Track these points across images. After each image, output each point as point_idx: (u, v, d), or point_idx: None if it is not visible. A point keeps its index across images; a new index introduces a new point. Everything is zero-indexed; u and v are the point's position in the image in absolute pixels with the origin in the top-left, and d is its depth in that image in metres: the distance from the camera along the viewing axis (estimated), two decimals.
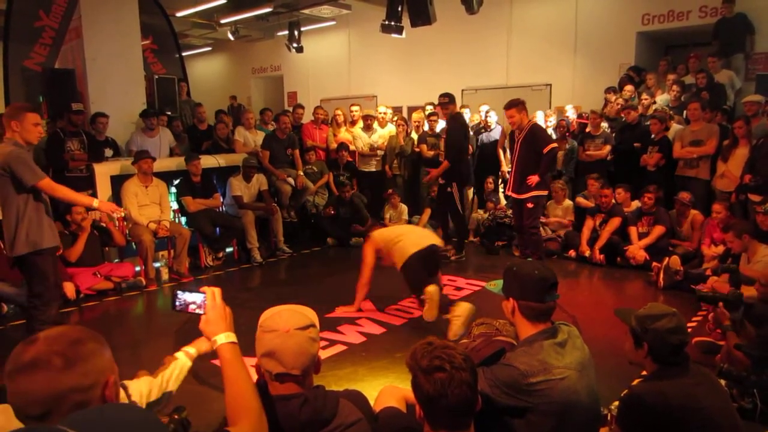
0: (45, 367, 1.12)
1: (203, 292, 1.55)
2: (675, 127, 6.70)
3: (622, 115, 7.14)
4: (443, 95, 6.26)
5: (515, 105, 5.52)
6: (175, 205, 6.47)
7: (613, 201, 6.23)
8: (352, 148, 7.83)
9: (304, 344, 1.49)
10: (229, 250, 6.75)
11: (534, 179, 5.47)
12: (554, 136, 7.51)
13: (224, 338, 1.49)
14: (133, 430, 0.88)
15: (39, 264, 3.60)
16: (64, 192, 3.63)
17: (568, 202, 6.75)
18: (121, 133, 7.08)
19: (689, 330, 4.09)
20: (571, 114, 7.91)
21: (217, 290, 1.56)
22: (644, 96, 7.51)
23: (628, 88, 7.71)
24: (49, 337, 1.17)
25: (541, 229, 6.13)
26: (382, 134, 7.87)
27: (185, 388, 3.31)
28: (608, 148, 6.87)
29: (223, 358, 1.47)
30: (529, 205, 5.59)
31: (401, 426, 1.64)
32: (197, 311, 1.55)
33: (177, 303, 1.58)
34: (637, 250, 5.79)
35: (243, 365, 1.47)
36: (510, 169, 5.89)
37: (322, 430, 1.46)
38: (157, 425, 0.94)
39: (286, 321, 1.50)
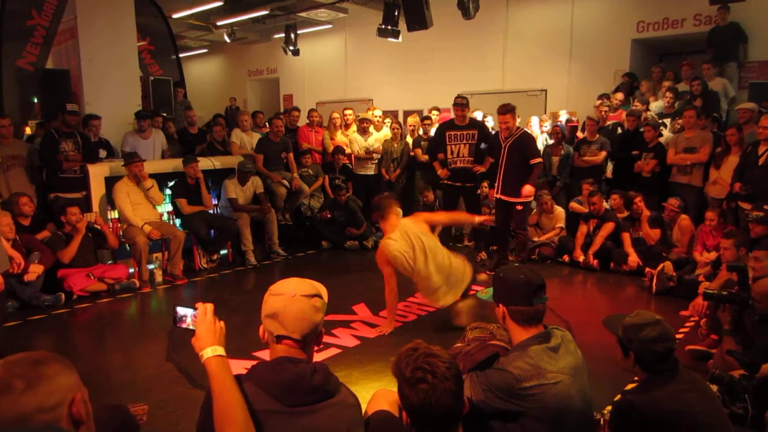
0: (6, 391, 1.11)
1: (196, 308, 1.61)
2: (666, 134, 6.74)
3: (608, 120, 7.20)
4: (462, 97, 6.31)
5: (510, 111, 5.68)
6: (169, 207, 6.45)
7: (606, 206, 6.26)
8: (348, 151, 7.84)
9: (307, 310, 1.54)
10: (223, 252, 6.72)
11: (530, 191, 5.64)
12: (550, 142, 7.56)
13: (210, 352, 1.52)
14: None
15: None
16: None
17: (558, 209, 6.75)
18: (115, 134, 7.06)
19: (681, 336, 4.15)
20: (564, 119, 7.94)
21: (209, 306, 1.62)
22: (636, 103, 7.55)
23: (618, 96, 7.74)
24: (8, 362, 1.17)
25: (530, 229, 6.33)
26: (378, 138, 7.88)
27: (178, 392, 3.31)
28: (604, 154, 6.89)
29: (210, 372, 1.49)
30: (519, 208, 5.76)
31: (392, 430, 1.64)
32: (190, 327, 1.61)
33: (176, 318, 1.66)
34: (636, 261, 5.80)
35: (230, 378, 1.48)
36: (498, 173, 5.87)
37: (327, 401, 1.51)
38: None
39: (293, 287, 1.58)
